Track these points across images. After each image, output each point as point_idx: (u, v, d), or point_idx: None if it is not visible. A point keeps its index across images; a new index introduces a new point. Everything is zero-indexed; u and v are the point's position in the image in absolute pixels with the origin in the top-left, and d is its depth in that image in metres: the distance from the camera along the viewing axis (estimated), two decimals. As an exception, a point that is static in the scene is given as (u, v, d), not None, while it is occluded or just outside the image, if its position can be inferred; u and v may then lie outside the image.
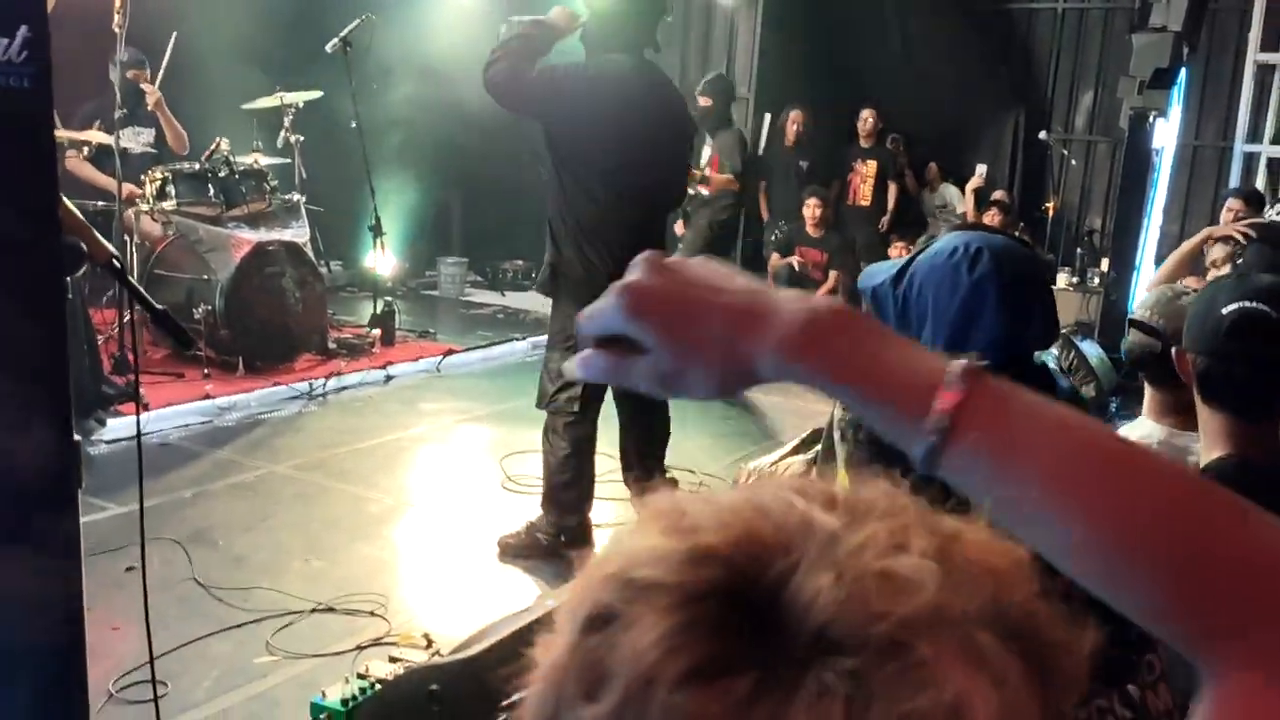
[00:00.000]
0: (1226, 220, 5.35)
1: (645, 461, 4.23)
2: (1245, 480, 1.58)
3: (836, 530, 0.44)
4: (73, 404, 1.72)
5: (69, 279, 1.66)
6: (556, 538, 4.00)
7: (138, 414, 2.18)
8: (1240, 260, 4.09)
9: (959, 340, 1.67)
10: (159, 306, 1.87)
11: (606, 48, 3.83)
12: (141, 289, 1.78)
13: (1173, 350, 1.80)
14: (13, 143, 1.58)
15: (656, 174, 3.96)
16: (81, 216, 1.68)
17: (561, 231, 3.87)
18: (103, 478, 4.54)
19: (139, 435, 2.20)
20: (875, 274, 1.79)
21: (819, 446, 2.88)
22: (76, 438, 1.77)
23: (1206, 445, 1.73)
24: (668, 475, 4.36)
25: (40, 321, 1.59)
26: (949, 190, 9.25)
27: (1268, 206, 6.08)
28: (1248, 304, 1.67)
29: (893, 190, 9.04)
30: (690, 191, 6.15)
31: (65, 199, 1.66)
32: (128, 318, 5.43)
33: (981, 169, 9.33)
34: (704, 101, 7.26)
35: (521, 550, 4.07)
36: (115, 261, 1.73)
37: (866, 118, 8.93)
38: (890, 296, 1.73)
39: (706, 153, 7.33)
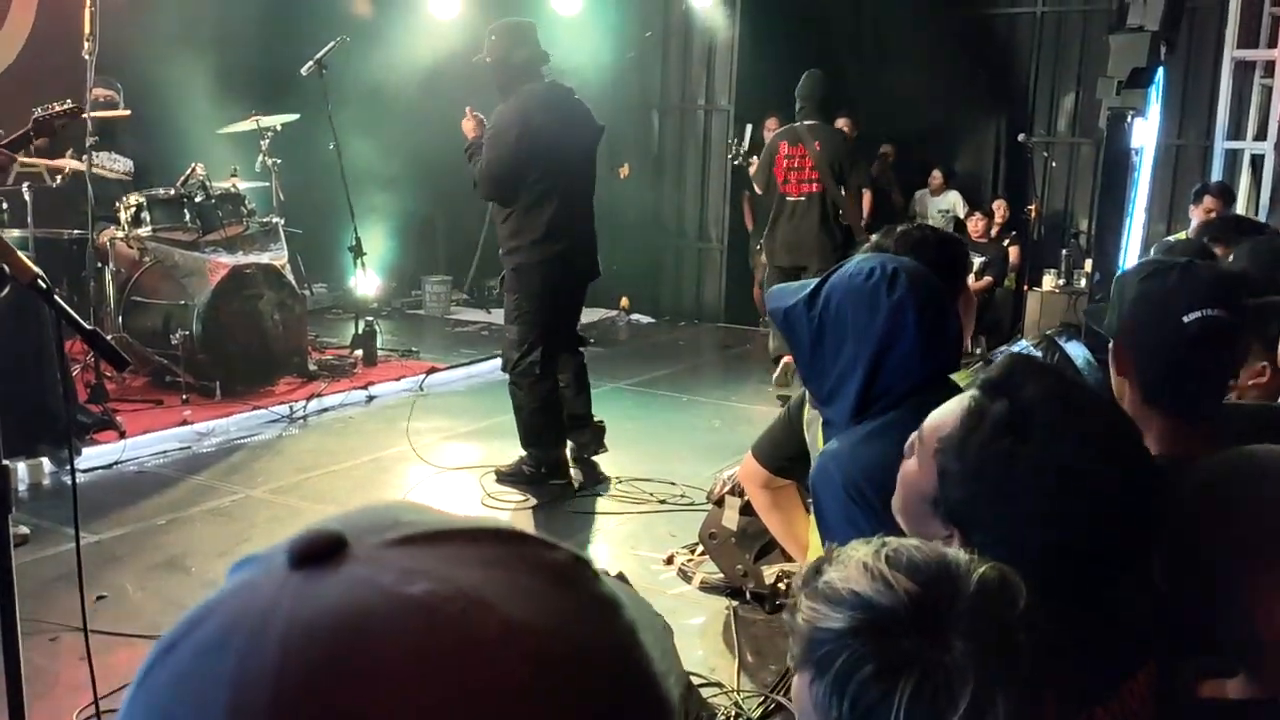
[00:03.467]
0: (1201, 219, 5.29)
1: (588, 411, 5.13)
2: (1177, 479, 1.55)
3: None
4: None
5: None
6: (539, 469, 4.92)
7: (70, 451, 2.14)
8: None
9: (882, 357, 1.68)
10: (88, 326, 1.84)
11: (516, 84, 4.73)
12: (69, 309, 1.75)
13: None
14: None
15: (579, 167, 4.87)
16: (1, 237, 1.64)
17: (522, 239, 4.75)
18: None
19: (73, 470, 2.16)
20: (784, 296, 1.80)
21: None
22: (6, 462, 1.73)
23: None
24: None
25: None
26: (951, 195, 9.26)
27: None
28: (1209, 312, 1.60)
29: (867, 197, 9.04)
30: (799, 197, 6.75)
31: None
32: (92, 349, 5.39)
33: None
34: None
35: (510, 477, 4.95)
36: (40, 281, 1.69)
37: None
38: (804, 318, 1.74)
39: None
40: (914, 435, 1.31)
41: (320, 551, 0.42)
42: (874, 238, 2.33)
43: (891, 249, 2.15)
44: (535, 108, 4.67)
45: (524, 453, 4.95)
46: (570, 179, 4.79)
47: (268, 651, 0.38)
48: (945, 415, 1.27)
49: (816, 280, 1.77)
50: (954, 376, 1.76)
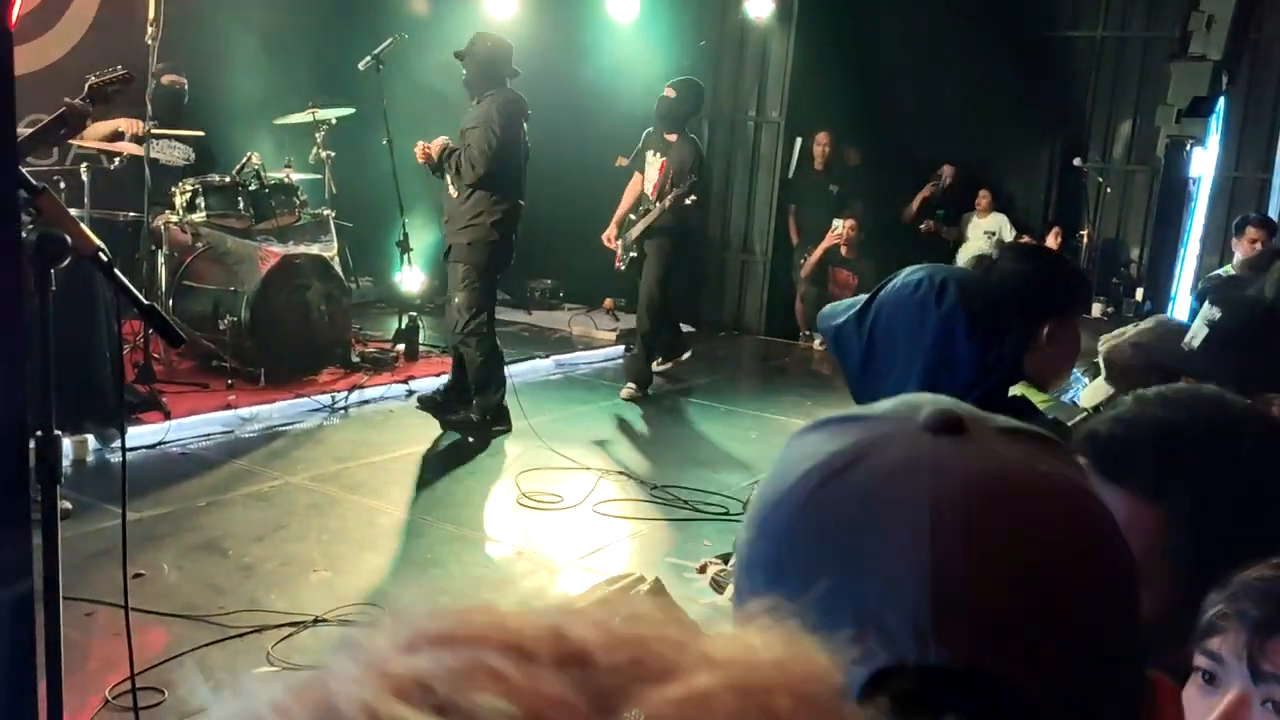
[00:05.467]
0: (1246, 251, 5.23)
1: None
2: None
3: None
4: (37, 394, 1.70)
5: (52, 271, 1.63)
6: (484, 417, 5.71)
7: (122, 430, 2.16)
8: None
9: (935, 375, 1.63)
10: (145, 302, 1.86)
11: (485, 89, 5.59)
12: (128, 283, 1.77)
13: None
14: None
15: (525, 167, 5.75)
16: (66, 209, 1.66)
17: (482, 219, 5.55)
18: (118, 485, 4.56)
19: (124, 449, 2.19)
20: (835, 314, 1.74)
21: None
22: (56, 432, 1.75)
23: None
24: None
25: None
26: (997, 217, 9.18)
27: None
28: None
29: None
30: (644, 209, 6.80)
31: (51, 191, 1.65)
32: (146, 329, 5.46)
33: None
34: (669, 92, 6.72)
35: (457, 424, 5.73)
36: (101, 254, 1.71)
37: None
38: (855, 335, 1.69)
39: (656, 165, 6.72)
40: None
41: (953, 427, 0.56)
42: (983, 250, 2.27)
43: (1001, 252, 2.09)
44: (509, 110, 5.55)
45: (474, 401, 5.74)
46: (521, 175, 5.69)
47: (955, 485, 0.53)
48: None
49: (866, 296, 1.74)
50: (1016, 390, 1.71)
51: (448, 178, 5.67)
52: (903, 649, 0.50)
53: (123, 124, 5.93)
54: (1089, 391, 2.39)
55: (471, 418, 5.71)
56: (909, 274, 1.71)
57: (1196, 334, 1.96)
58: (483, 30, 5.96)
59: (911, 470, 0.53)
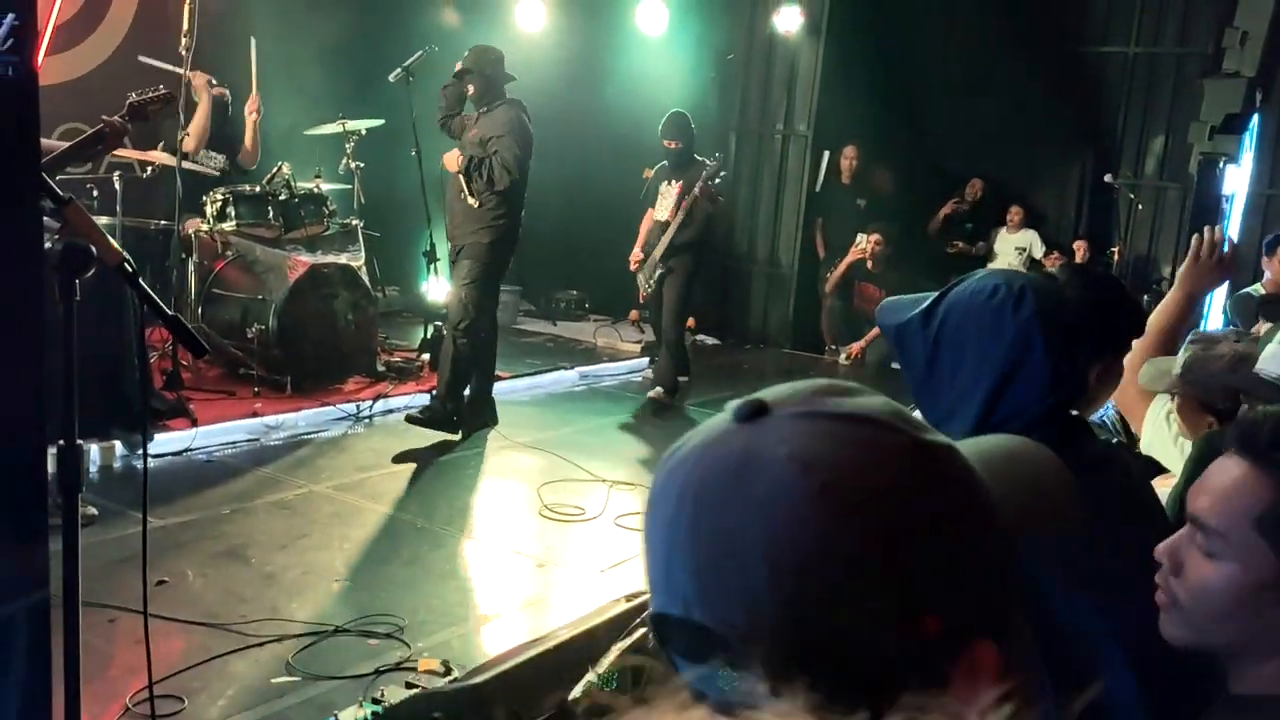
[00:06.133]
0: (1276, 270, 5.18)
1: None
2: None
3: None
4: (40, 406, 1.70)
5: (77, 281, 1.64)
6: (456, 412, 5.71)
7: (144, 436, 2.17)
8: None
9: (1004, 384, 1.57)
10: (170, 312, 1.87)
11: (494, 99, 5.75)
12: (153, 294, 1.77)
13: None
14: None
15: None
16: (91, 219, 1.67)
17: (504, 219, 5.72)
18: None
19: (145, 455, 2.19)
20: (897, 310, 1.66)
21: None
22: (78, 442, 1.76)
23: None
24: None
25: (14, 316, 1.58)
26: (1028, 234, 9.12)
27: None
28: None
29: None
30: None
31: (77, 202, 1.66)
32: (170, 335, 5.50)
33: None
34: (671, 145, 6.79)
35: (431, 421, 5.67)
36: (126, 265, 1.72)
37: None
38: (920, 336, 1.61)
39: (671, 193, 6.83)
40: (1189, 535, 1.27)
41: (748, 414, 0.63)
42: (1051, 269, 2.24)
43: (1067, 276, 2.05)
44: (524, 118, 5.72)
45: (442, 401, 5.75)
46: (527, 178, 5.83)
47: (701, 461, 0.63)
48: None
49: (932, 296, 1.66)
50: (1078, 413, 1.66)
51: (468, 187, 5.71)
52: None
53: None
54: (1150, 370, 2.29)
55: (447, 417, 5.72)
56: (983, 278, 1.63)
57: None
58: (484, 44, 6.08)
59: (699, 456, 0.63)
